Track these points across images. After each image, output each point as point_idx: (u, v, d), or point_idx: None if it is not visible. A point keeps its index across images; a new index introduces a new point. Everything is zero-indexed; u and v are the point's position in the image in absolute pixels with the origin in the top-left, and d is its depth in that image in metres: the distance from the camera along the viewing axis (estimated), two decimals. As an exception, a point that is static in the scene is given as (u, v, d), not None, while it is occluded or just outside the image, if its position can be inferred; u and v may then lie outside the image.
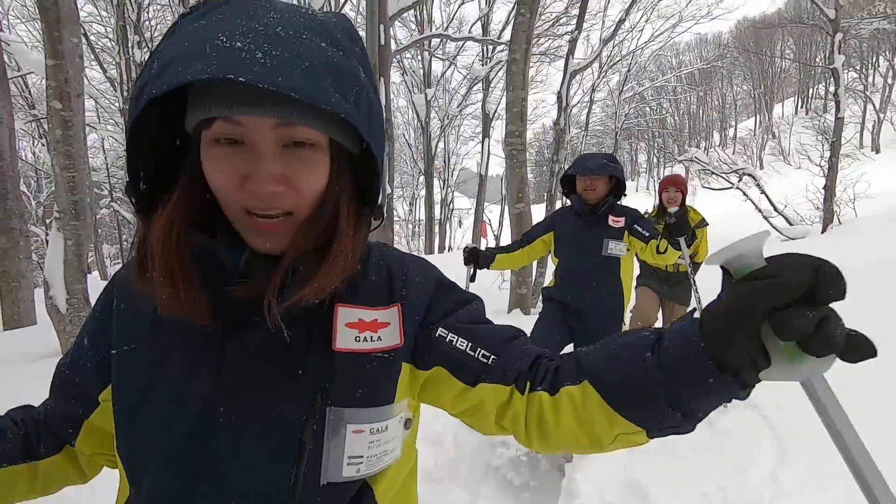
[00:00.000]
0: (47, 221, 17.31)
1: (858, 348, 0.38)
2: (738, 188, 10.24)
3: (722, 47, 30.47)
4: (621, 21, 9.58)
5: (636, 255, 2.42)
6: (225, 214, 0.52)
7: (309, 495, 0.52)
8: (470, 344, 0.58)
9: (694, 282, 2.84)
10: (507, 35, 14.37)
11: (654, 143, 31.35)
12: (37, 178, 18.76)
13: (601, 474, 1.97)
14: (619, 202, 2.33)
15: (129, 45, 7.89)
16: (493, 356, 0.57)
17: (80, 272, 4.39)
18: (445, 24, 16.01)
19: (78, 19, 4.19)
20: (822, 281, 0.36)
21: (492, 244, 18.50)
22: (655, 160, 38.92)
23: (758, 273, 0.39)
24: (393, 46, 8.66)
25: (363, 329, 0.56)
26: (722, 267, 0.42)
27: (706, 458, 2.06)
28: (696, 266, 3.14)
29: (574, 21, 14.04)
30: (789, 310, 0.36)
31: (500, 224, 16.70)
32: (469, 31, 14.90)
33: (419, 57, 16.03)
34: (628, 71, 15.86)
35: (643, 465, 1.99)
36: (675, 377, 0.44)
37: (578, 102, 16.67)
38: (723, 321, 0.40)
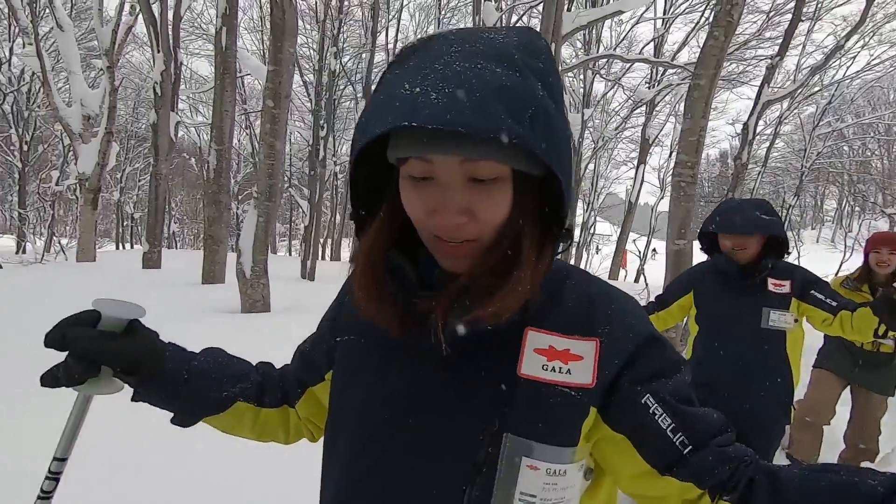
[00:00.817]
0: (239, 198, 20.72)
1: None
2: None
3: (966, 81, 24.43)
4: (839, 48, 8.17)
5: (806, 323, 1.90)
6: None
7: None
8: (673, 425, 0.52)
9: None
10: (681, 58, 13.40)
11: (851, 189, 26.44)
12: (237, 161, 22.50)
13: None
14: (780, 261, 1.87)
15: (325, 54, 9.06)
16: (690, 447, 0.52)
17: (264, 245, 5.15)
18: (614, 45, 15.50)
19: (296, 33, 4.96)
20: None
21: (632, 276, 17.35)
22: (849, 209, 32.83)
23: None
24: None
25: (552, 357, 0.53)
26: None
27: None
28: None
29: (768, 44, 12.54)
30: None
31: (644, 257, 15.55)
32: (640, 52, 14.21)
33: (580, 76, 15.74)
34: (829, 103, 13.58)
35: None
36: None
37: (759, 134, 14.82)
38: None
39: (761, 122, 14.78)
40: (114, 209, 23.94)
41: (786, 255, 1.88)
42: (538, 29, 6.94)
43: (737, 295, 1.86)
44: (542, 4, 6.60)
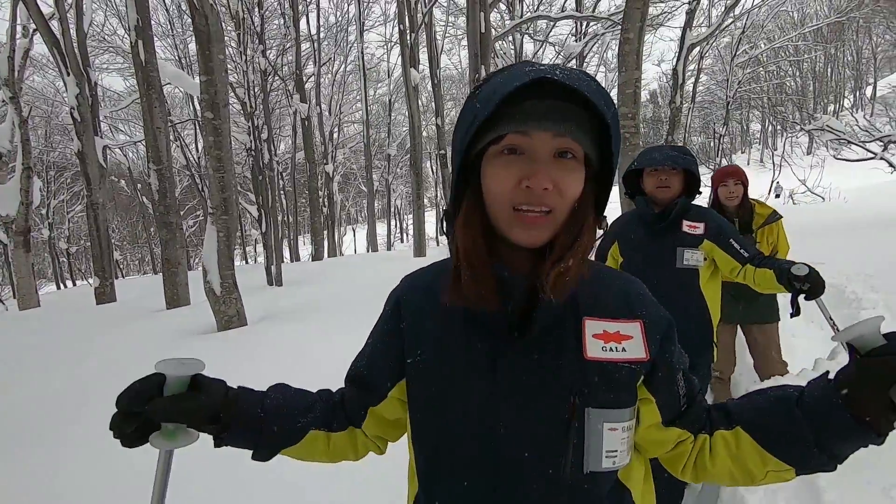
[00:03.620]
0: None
1: None
2: (882, 158, 8.94)
3: (859, -6, 26.06)
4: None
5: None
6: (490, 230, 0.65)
7: (576, 481, 0.63)
8: (685, 391, 0.69)
9: (834, 327, 2.05)
10: (602, 6, 13.65)
11: (771, 111, 28.05)
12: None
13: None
14: (693, 203, 1.96)
15: (250, 53, 8.69)
16: (686, 405, 0.69)
17: (229, 260, 5.05)
18: (536, 4, 15.59)
19: (223, 38, 4.77)
20: None
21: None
22: (771, 128, 34.91)
23: (877, 350, 0.53)
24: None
25: (608, 340, 0.65)
26: (848, 343, 0.56)
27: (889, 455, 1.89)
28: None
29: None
30: None
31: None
32: (562, 9, 14.39)
33: (510, 38, 15.80)
34: (742, 32, 14.23)
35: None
36: (821, 427, 0.58)
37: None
38: (856, 388, 0.54)
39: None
40: (45, 248, 22.39)
41: (697, 195, 1.98)
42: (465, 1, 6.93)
43: (654, 237, 1.93)
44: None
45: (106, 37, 15.15)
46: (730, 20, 13.31)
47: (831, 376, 0.60)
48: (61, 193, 21.90)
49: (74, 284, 22.00)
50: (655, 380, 0.67)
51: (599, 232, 0.67)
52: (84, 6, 8.56)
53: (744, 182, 2.65)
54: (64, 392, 3.69)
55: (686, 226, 1.92)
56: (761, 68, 22.98)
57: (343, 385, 0.83)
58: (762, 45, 19.71)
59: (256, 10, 8.70)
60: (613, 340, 0.65)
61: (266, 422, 0.72)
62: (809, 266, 1.77)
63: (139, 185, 22.13)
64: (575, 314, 0.66)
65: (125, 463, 2.56)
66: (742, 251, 1.89)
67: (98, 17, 14.23)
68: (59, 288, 20.87)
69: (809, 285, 1.76)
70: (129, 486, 2.35)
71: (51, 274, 23.64)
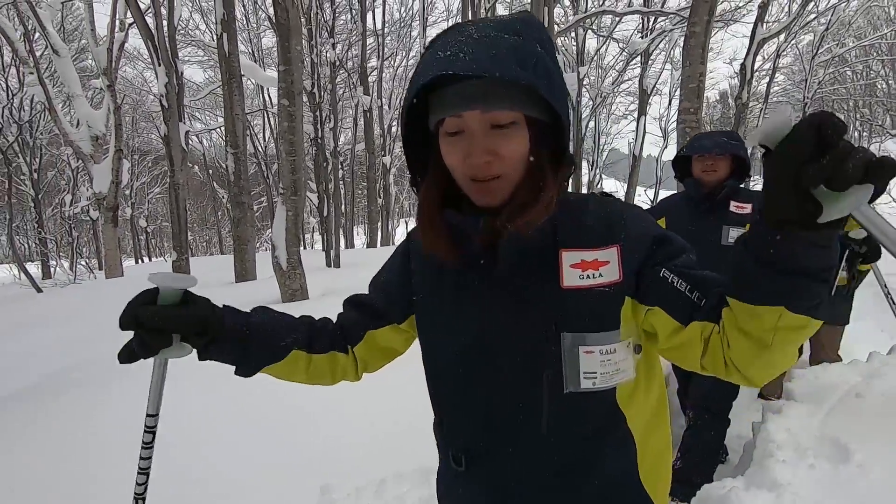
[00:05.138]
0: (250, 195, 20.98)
1: (879, 172, 0.40)
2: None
3: (969, -14, 23.35)
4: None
5: None
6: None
7: (557, 401, 0.69)
8: (689, 286, 0.64)
9: (889, 296, 2.12)
10: (671, 2, 13.20)
11: (858, 115, 25.85)
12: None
13: (794, 426, 1.94)
14: (742, 185, 2.05)
15: (320, 46, 9.15)
16: (704, 299, 0.63)
17: (296, 238, 5.43)
18: (602, -2, 15.25)
19: (301, 31, 5.12)
20: (821, 130, 0.41)
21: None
22: (857, 134, 32.22)
23: (782, 142, 0.43)
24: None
25: (585, 268, 0.68)
26: (763, 145, 0.45)
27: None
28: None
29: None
30: (808, 163, 0.42)
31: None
32: (629, 3, 14.02)
33: (572, 34, 15.58)
34: (826, 29, 13.25)
35: (838, 421, 1.91)
36: (755, 248, 0.53)
37: (757, 70, 14.60)
38: (766, 191, 0.47)
39: (759, 58, 14.58)
40: (127, 225, 24.44)
41: (747, 180, 2.04)
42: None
43: (701, 216, 2.05)
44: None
45: (189, 31, 16.32)
46: (812, 16, 12.47)
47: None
48: (143, 176, 23.78)
49: (150, 260, 23.88)
50: (644, 290, 0.67)
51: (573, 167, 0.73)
52: (175, 1, 9.33)
53: None
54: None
55: (734, 206, 2.03)
56: (848, 68, 21.25)
57: (342, 309, 0.89)
58: (850, 43, 18.25)
59: (328, 4, 9.14)
60: (591, 268, 0.68)
61: (251, 338, 0.75)
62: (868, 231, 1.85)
63: (210, 171, 23.64)
64: (553, 247, 0.69)
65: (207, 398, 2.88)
66: None
67: (183, 13, 15.32)
68: (136, 262, 22.71)
69: (867, 248, 1.81)
70: (219, 417, 2.68)
71: (130, 249, 25.75)
